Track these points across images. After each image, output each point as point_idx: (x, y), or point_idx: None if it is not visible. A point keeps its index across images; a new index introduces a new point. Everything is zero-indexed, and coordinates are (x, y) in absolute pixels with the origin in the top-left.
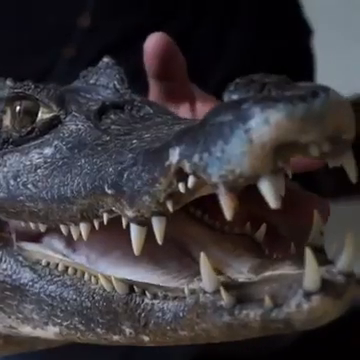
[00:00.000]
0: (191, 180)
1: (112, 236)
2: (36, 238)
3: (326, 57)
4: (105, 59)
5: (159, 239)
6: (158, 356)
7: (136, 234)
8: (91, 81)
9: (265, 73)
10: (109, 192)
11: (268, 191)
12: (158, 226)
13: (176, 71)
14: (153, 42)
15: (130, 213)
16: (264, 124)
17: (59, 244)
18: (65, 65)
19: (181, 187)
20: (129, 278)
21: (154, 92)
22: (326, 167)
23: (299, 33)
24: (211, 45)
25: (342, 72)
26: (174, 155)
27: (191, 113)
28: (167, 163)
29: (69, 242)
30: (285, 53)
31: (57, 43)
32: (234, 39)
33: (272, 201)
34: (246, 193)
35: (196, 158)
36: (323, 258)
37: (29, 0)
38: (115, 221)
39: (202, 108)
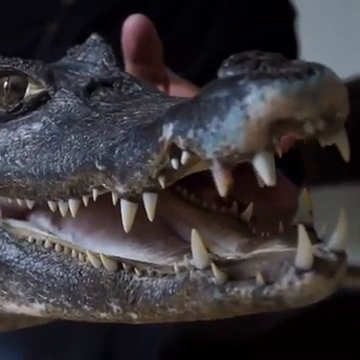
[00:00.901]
0: (185, 156)
1: (98, 214)
2: (22, 215)
3: (312, 41)
4: (93, 36)
5: (150, 216)
6: (141, 340)
7: (126, 210)
8: (79, 58)
9: (259, 50)
10: (100, 168)
11: (263, 167)
12: (149, 202)
13: (153, 54)
14: (132, 23)
15: (121, 189)
16: (260, 100)
17: (45, 222)
18: (49, 42)
19: (174, 163)
20: (117, 255)
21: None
22: (312, 155)
23: (283, 16)
24: (193, 27)
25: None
26: (167, 131)
27: None
28: (160, 139)
29: (55, 220)
30: (269, 36)
31: (41, 20)
32: (216, 22)
33: (266, 178)
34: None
35: (190, 134)
36: (314, 237)
37: None
38: (101, 199)
39: (176, 91)
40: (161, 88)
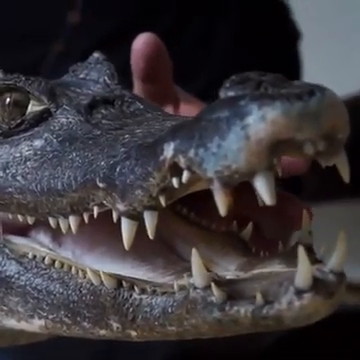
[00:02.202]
0: (185, 175)
1: (98, 232)
2: (23, 231)
3: (314, 59)
4: (95, 54)
5: (151, 234)
6: (138, 353)
7: (127, 228)
8: (81, 76)
9: (261, 71)
10: (101, 185)
11: (263, 187)
12: (150, 220)
13: (162, 73)
14: (142, 42)
15: (122, 207)
16: (261, 121)
17: (45, 238)
18: (54, 60)
19: (175, 182)
20: (117, 273)
21: (138, 92)
22: (312, 171)
23: (287, 37)
24: (198, 46)
25: (329, 74)
26: (169, 150)
27: (174, 114)
28: (161, 157)
29: (55, 237)
30: (272, 57)
31: (46, 38)
32: (221, 41)
33: (267, 197)
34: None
35: (192, 153)
36: (313, 257)
37: None
38: (102, 217)
39: (186, 110)
40: (171, 107)
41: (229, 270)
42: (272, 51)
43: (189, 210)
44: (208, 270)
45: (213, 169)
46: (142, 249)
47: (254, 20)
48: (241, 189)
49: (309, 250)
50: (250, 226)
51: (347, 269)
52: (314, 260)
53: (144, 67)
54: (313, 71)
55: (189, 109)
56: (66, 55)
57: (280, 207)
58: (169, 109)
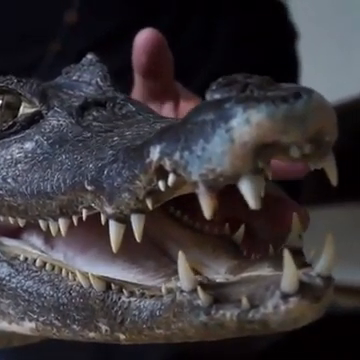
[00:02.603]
0: (171, 178)
1: (89, 234)
2: (14, 234)
3: (312, 61)
4: (88, 56)
5: (138, 237)
6: (134, 355)
7: (115, 231)
8: (74, 77)
9: (248, 73)
10: (89, 188)
11: (248, 191)
12: (137, 223)
13: (163, 69)
14: (144, 37)
15: (109, 210)
16: (245, 124)
17: (37, 241)
18: (51, 60)
19: (161, 185)
20: (106, 276)
21: (139, 89)
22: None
23: (285, 37)
24: (197, 46)
25: (328, 76)
26: (155, 153)
27: (174, 112)
28: (148, 160)
29: (47, 239)
30: (270, 57)
31: (43, 38)
32: (220, 41)
33: (251, 201)
34: (226, 194)
35: (177, 156)
36: (301, 261)
37: None
38: (93, 219)
39: (186, 107)
40: (171, 104)
41: (219, 273)
42: (270, 51)
43: (182, 213)
44: (198, 273)
45: (198, 172)
46: (133, 252)
47: (252, 20)
48: (235, 190)
49: (298, 253)
50: (242, 229)
51: (343, 272)
52: (302, 264)
53: (146, 62)
54: (312, 73)
55: (189, 106)
56: (63, 55)
57: (274, 209)
58: (169, 106)
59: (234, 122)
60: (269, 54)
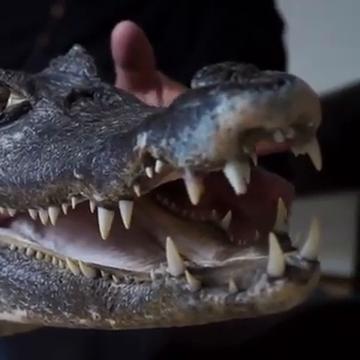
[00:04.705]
0: (158, 165)
1: (79, 222)
2: (4, 223)
3: (300, 52)
4: (75, 47)
5: (126, 223)
6: (125, 347)
7: (104, 218)
8: (61, 69)
9: (232, 61)
10: (77, 176)
11: (233, 176)
12: (125, 210)
13: (143, 60)
14: (120, 31)
15: (98, 197)
16: (230, 110)
17: (28, 229)
18: (39, 54)
19: (148, 172)
20: (96, 263)
21: (121, 80)
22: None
23: (272, 28)
24: (183, 36)
25: (316, 68)
26: (142, 140)
27: (158, 100)
28: (135, 148)
29: (38, 227)
30: (257, 45)
31: (31, 32)
32: (205, 32)
33: (237, 186)
34: (212, 179)
35: (163, 143)
36: (287, 244)
37: None
38: (83, 207)
39: (168, 95)
40: (154, 93)
41: (207, 259)
42: (257, 42)
43: (170, 200)
44: (186, 259)
45: (184, 158)
46: (123, 239)
47: (239, 11)
48: (220, 174)
49: (284, 238)
50: (229, 215)
51: (331, 262)
52: (288, 248)
53: (124, 55)
54: (301, 66)
55: (172, 94)
56: (51, 49)
57: (258, 187)
58: (152, 94)
59: (219, 109)
60: (256, 45)
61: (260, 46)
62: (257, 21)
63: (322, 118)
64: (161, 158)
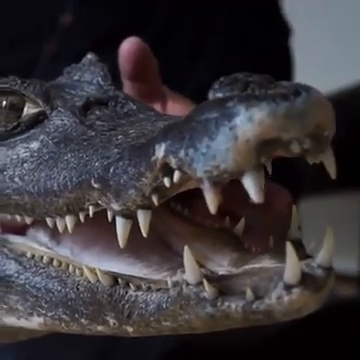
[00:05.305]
0: (177, 175)
1: (95, 229)
2: (21, 230)
3: (306, 55)
4: (89, 56)
5: (144, 232)
6: (137, 346)
7: (122, 226)
8: (75, 77)
9: (248, 72)
10: (95, 186)
11: (251, 186)
12: (143, 219)
13: (149, 73)
14: (127, 47)
15: (116, 206)
16: (248, 122)
17: (44, 237)
18: (47, 61)
19: (166, 181)
20: (113, 271)
21: (128, 92)
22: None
23: (278, 34)
24: (190, 45)
25: (321, 70)
26: (160, 150)
27: (162, 112)
28: (153, 158)
29: (53, 235)
30: (263, 53)
31: (39, 39)
32: (212, 41)
33: (255, 195)
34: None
35: (182, 153)
36: (302, 252)
37: None
38: (98, 215)
39: (172, 107)
40: (158, 105)
41: (222, 266)
42: (263, 48)
43: (183, 207)
44: (202, 266)
45: (203, 169)
46: (138, 246)
47: (246, 17)
48: (230, 184)
49: (298, 245)
50: (242, 222)
51: (341, 261)
52: (303, 255)
53: (131, 69)
54: (307, 68)
55: (176, 107)
56: (59, 56)
57: (268, 201)
58: (157, 107)
59: (237, 120)
60: (262, 51)
61: (267, 52)
62: (264, 27)
63: None
64: (179, 168)
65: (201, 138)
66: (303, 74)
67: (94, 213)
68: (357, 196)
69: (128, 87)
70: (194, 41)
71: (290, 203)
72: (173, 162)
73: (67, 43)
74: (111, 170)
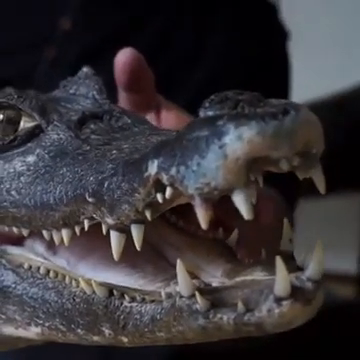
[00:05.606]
0: (169, 191)
1: (91, 240)
2: (18, 241)
3: (303, 57)
4: (84, 69)
5: (138, 245)
6: (137, 353)
7: (116, 240)
8: (71, 91)
9: (239, 90)
10: (90, 200)
11: (241, 203)
12: (137, 233)
13: (144, 84)
14: (122, 58)
15: (110, 220)
16: (237, 140)
17: (40, 247)
18: (46, 66)
19: (159, 197)
20: (108, 282)
21: (123, 102)
22: None
23: (275, 38)
24: (188, 51)
25: (318, 74)
26: (152, 167)
27: (156, 121)
28: (146, 174)
29: (50, 245)
30: (261, 58)
31: (38, 44)
32: (210, 47)
33: (245, 212)
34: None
35: (173, 171)
36: (293, 265)
37: (11, 1)
38: (95, 226)
39: (166, 116)
40: (153, 114)
41: (215, 276)
42: (260, 53)
43: (178, 218)
44: (195, 277)
45: (194, 186)
46: (134, 256)
47: (243, 21)
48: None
49: (289, 258)
50: (235, 233)
51: (337, 261)
52: (294, 268)
53: (126, 80)
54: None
55: (169, 116)
56: (59, 61)
57: (256, 214)
58: (151, 116)
59: (227, 139)
60: (259, 56)
61: (265, 60)
62: (261, 33)
63: (326, 119)
64: (171, 185)
65: (192, 156)
66: (300, 77)
67: (91, 224)
68: (357, 197)
69: (123, 98)
70: (194, 41)
71: (278, 214)
72: (165, 179)
73: (66, 48)
74: (105, 185)
